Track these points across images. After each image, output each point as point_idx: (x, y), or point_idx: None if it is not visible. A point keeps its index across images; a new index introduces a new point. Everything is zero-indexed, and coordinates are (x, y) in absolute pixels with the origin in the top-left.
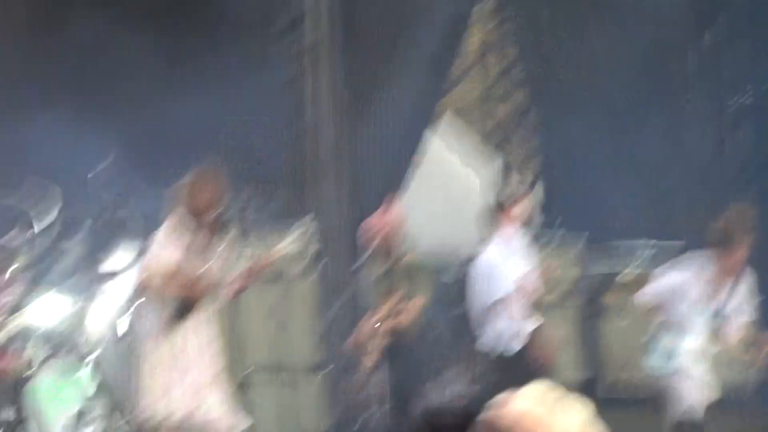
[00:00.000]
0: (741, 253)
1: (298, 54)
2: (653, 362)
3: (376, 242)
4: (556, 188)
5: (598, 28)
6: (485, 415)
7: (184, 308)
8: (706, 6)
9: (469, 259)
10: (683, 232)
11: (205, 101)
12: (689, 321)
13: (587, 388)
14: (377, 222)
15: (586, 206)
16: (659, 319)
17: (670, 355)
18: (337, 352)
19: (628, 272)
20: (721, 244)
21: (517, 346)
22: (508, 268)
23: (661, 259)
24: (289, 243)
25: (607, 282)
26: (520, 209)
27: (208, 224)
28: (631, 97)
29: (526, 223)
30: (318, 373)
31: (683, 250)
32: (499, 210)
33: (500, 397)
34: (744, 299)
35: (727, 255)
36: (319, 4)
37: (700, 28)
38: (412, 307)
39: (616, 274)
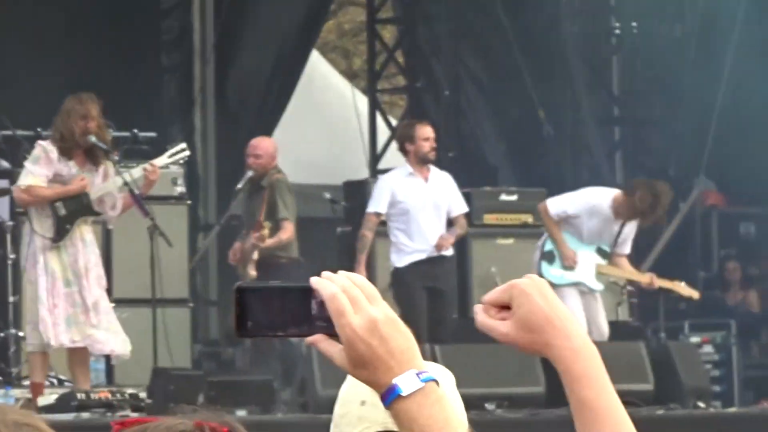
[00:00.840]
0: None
1: None
2: (551, 272)
3: (252, 167)
4: None
5: None
6: None
7: (66, 223)
8: None
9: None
10: None
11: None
12: (589, 240)
13: None
14: (254, 148)
15: None
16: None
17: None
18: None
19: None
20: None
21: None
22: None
23: None
24: (167, 159)
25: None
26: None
27: (83, 147)
28: None
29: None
30: (187, 305)
31: None
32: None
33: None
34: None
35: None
36: None
37: None
38: (285, 229)
39: None
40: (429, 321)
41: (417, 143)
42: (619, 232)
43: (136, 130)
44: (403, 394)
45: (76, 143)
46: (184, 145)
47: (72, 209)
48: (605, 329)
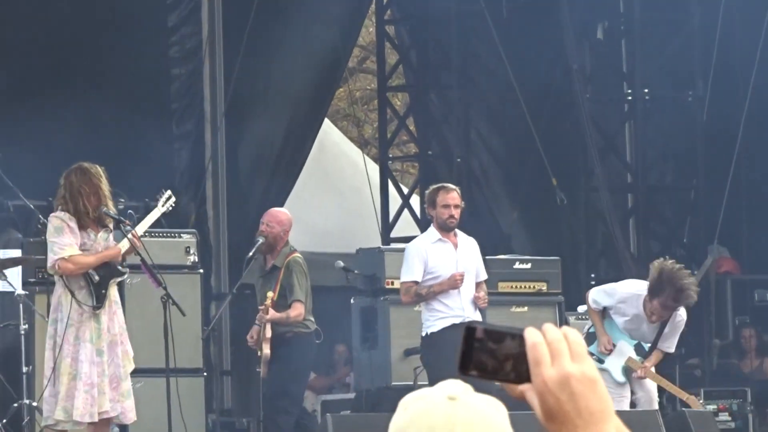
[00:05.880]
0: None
1: (187, 54)
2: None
3: (263, 234)
4: None
5: None
6: None
7: (101, 288)
8: None
9: (365, 251)
10: None
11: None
12: (627, 333)
13: None
14: (270, 216)
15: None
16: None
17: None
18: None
19: None
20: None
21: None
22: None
23: None
24: (159, 213)
25: None
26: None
27: (93, 219)
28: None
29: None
30: (201, 375)
31: None
32: (429, 205)
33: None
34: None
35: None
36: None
37: None
38: (295, 308)
39: None
40: None
41: (437, 209)
42: (661, 331)
43: (147, 200)
44: None
45: (90, 218)
46: (169, 193)
47: (103, 273)
48: (654, 395)
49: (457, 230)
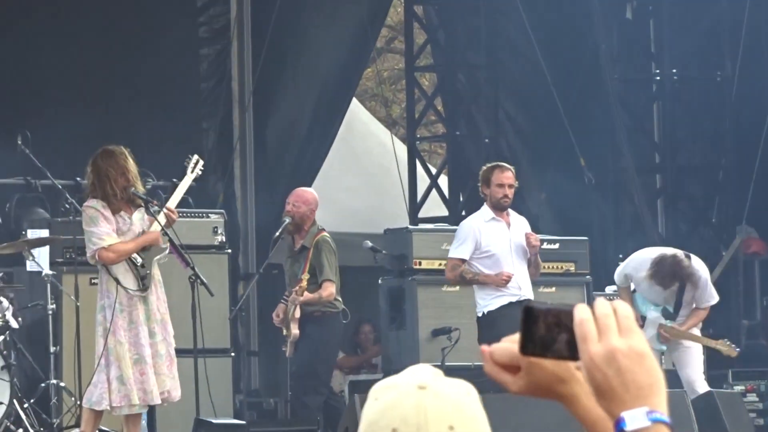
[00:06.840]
0: None
1: (216, 35)
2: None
3: (289, 214)
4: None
5: None
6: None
7: (147, 270)
8: None
9: (392, 231)
10: None
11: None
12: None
13: None
14: (295, 196)
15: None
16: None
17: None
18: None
19: None
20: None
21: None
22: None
23: None
24: (190, 180)
25: None
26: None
27: (123, 201)
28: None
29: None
30: (228, 355)
31: None
32: (483, 184)
33: None
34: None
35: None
36: None
37: None
38: (326, 288)
39: None
40: None
41: (491, 188)
42: (681, 293)
43: (175, 180)
44: (627, 429)
45: (120, 200)
46: (196, 157)
47: (145, 255)
48: (694, 380)
49: (509, 209)
